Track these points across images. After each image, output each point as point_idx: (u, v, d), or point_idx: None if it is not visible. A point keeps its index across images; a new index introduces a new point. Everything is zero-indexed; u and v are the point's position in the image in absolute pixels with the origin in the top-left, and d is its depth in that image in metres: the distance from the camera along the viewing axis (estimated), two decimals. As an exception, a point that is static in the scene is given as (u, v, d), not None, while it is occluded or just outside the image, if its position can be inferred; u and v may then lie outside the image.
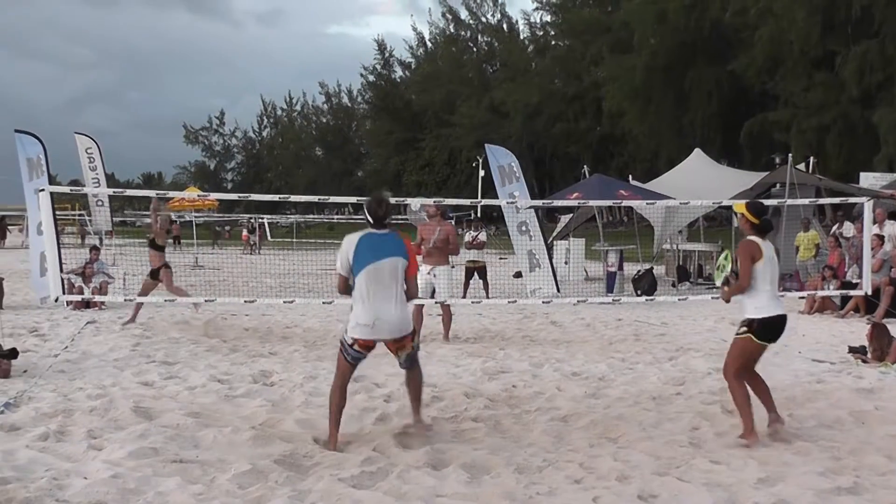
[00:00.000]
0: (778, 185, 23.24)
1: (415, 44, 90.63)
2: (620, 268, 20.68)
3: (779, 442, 7.04)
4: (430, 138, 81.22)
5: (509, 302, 16.61)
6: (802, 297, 17.20)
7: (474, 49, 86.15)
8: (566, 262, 24.09)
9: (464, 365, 10.88)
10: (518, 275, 21.14)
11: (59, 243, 14.97)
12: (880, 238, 16.92)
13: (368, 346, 7.01)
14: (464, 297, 18.13)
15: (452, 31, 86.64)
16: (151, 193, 17.80)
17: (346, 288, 7.05)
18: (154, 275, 14.76)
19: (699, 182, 24.24)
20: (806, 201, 18.29)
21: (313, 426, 7.61)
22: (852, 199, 19.48)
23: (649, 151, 59.50)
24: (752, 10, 47.48)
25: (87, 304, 16.48)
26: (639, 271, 21.26)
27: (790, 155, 25.46)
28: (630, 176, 30.95)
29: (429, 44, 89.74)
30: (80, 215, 41.72)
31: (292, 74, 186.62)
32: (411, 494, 5.85)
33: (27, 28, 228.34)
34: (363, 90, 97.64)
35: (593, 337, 13.86)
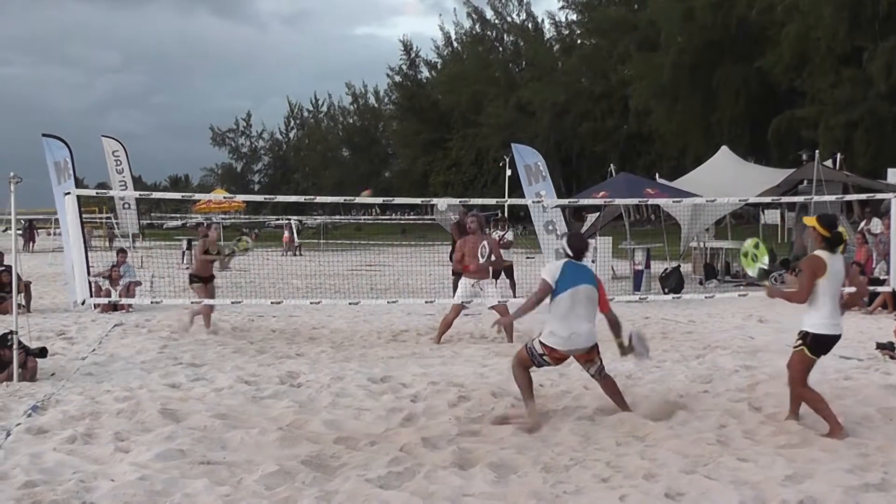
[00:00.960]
0: (805, 182, 23.07)
1: (441, 44, 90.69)
2: (647, 266, 20.67)
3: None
4: (457, 138, 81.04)
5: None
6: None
7: (500, 49, 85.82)
8: (593, 261, 23.91)
9: (491, 364, 10.86)
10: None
11: (86, 246, 15.05)
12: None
13: (561, 358, 8.01)
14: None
15: (478, 30, 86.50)
16: (177, 196, 17.88)
17: (545, 295, 7.92)
18: (204, 280, 14.42)
19: (726, 179, 24.11)
20: (833, 198, 18.13)
21: (340, 427, 7.63)
22: (880, 196, 19.25)
23: (676, 149, 59.19)
24: (778, 7, 47.10)
25: (114, 307, 16.59)
26: (666, 269, 21.16)
27: (817, 151, 25.27)
28: (657, 174, 30.80)
29: (455, 44, 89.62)
30: (107, 218, 41.92)
31: (318, 76, 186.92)
32: (438, 494, 5.86)
33: (54, 33, 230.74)
34: (389, 91, 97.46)
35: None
